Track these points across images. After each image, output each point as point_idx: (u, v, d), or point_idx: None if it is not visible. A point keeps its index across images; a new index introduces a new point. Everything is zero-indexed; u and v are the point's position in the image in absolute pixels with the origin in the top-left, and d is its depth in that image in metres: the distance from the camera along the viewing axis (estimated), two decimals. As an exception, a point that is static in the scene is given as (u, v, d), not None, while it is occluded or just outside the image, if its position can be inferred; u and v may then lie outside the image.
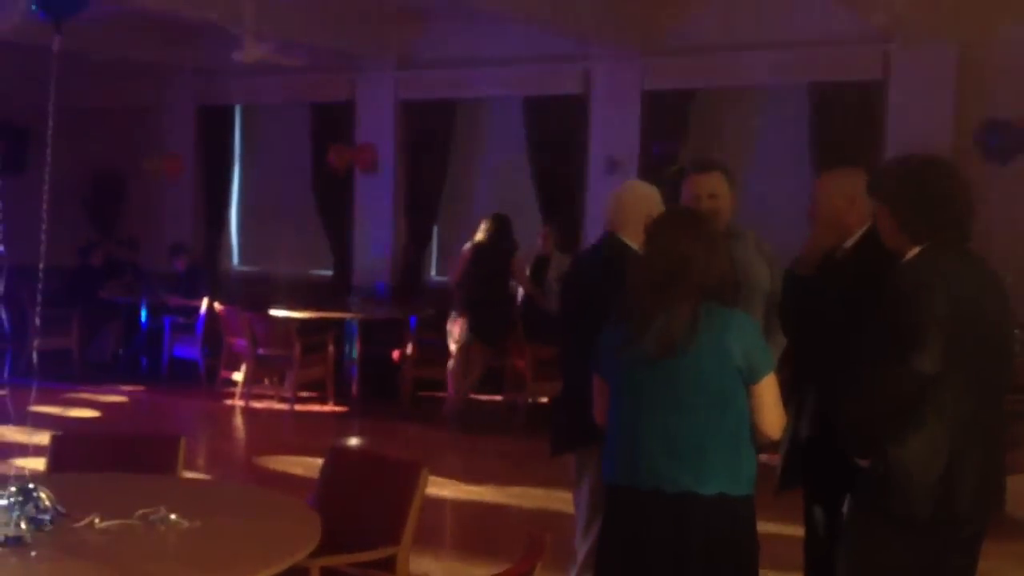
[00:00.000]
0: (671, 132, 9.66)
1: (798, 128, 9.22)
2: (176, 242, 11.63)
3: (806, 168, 9.17)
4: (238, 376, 9.74)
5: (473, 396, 9.38)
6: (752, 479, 3.07)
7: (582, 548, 3.99)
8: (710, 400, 2.99)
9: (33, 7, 3.97)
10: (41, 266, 4.04)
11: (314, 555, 3.06)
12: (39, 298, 4.26)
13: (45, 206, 3.99)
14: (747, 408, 3.03)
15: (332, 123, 11.43)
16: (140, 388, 10.20)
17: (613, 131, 9.94)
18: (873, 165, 6.81)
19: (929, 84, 8.56)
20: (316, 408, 9.51)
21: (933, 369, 2.91)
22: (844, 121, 8.94)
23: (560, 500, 6.11)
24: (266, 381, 9.88)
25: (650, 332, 3.00)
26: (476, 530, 6.30)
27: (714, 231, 3.18)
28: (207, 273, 11.57)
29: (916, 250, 3.07)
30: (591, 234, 9.74)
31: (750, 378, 3.01)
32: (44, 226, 3.93)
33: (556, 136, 10.29)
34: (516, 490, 7.20)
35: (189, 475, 3.98)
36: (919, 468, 2.95)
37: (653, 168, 9.55)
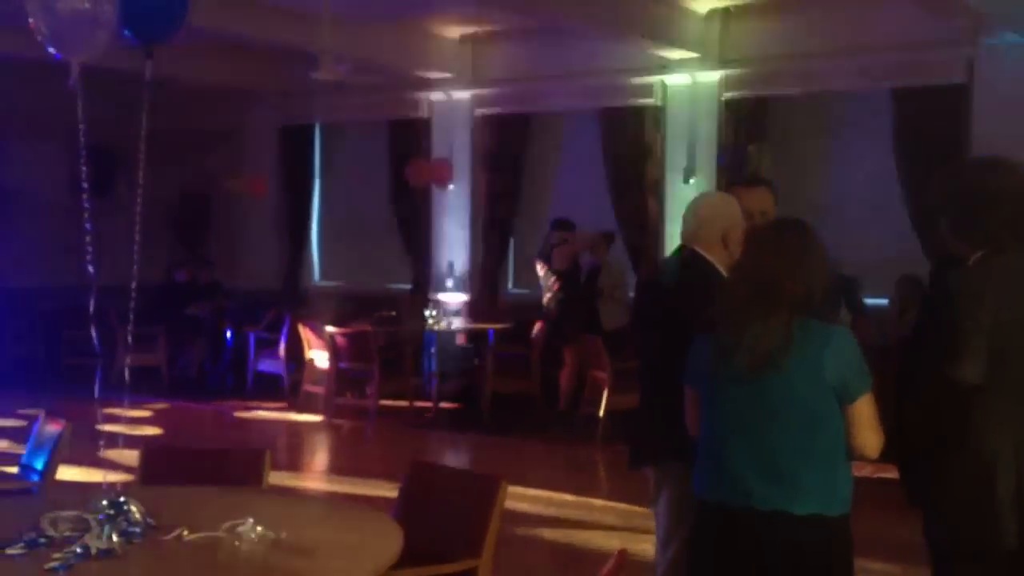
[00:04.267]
0: (749, 140, 9.57)
1: (881, 134, 9.06)
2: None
3: (889, 174, 9.01)
4: (320, 390, 9.87)
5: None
6: (848, 499, 2.97)
7: (662, 562, 3.95)
8: (804, 417, 2.91)
9: (126, 33, 4.08)
10: (133, 285, 4.14)
11: (396, 567, 3.08)
12: (131, 316, 4.36)
13: (138, 227, 4.08)
14: (843, 427, 2.94)
15: (409, 139, 11.56)
16: (226, 402, 10.39)
17: (691, 140, 9.87)
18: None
19: (1015, 87, 8.34)
20: (397, 421, 9.59)
21: (974, 378, 2.78)
22: (928, 126, 8.77)
23: (640, 513, 6.07)
24: (348, 394, 9.99)
25: (742, 346, 2.94)
26: (556, 542, 6.28)
27: (804, 241, 3.07)
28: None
29: (975, 256, 2.94)
30: (669, 245, 9.69)
31: (845, 397, 2.92)
32: (136, 247, 4.03)
33: (632, 146, 10.26)
34: (596, 502, 7.17)
35: (274, 488, 4.04)
36: (974, 489, 2.82)
37: (731, 176, 9.48)
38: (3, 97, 11.54)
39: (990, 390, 2.82)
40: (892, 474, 3.13)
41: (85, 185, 4.10)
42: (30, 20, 3.84)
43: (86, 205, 3.74)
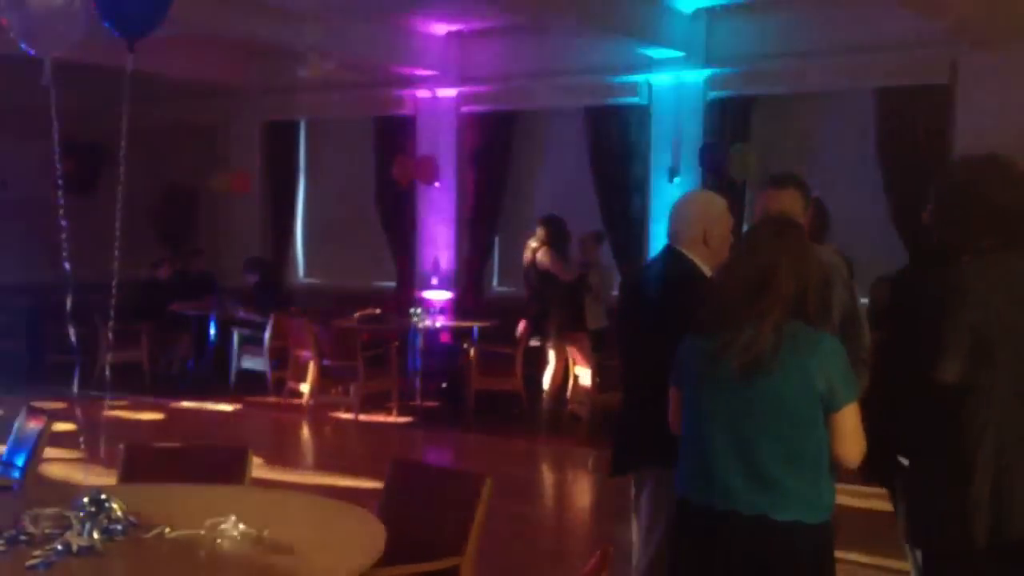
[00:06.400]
0: (733, 140, 9.59)
1: (864, 133, 9.09)
2: (252, 257, 11.84)
3: (873, 173, 9.05)
4: (304, 387, 9.85)
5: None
6: (830, 507, 2.98)
7: (643, 558, 3.96)
8: (790, 424, 2.91)
9: (107, 25, 4.06)
10: (115, 282, 4.12)
11: (379, 565, 3.07)
12: (112, 313, 4.34)
13: (119, 224, 4.06)
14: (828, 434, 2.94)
15: (394, 136, 11.54)
16: (208, 399, 10.36)
17: (675, 140, 9.89)
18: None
19: (999, 87, 8.38)
20: (380, 418, 9.58)
21: (952, 376, 2.80)
22: (911, 126, 8.81)
23: (623, 511, 6.08)
24: (331, 392, 9.97)
25: (733, 349, 2.92)
26: (540, 540, 6.29)
27: (803, 242, 3.06)
28: (277, 287, 11.74)
29: (967, 255, 2.93)
30: (654, 244, 9.70)
31: (831, 405, 2.91)
32: (117, 243, 4.00)
33: (617, 145, 10.27)
34: (580, 500, 7.18)
35: (256, 485, 4.03)
36: (952, 487, 2.84)
37: (715, 176, 9.50)
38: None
39: (976, 391, 2.83)
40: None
41: (61, 181, 4.09)
42: (2, 16, 3.82)
43: (61, 201, 3.73)
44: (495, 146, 11.05)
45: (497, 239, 11.29)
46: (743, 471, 2.94)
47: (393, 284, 11.72)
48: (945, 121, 8.65)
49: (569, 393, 9.37)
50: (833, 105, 9.57)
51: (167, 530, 3.07)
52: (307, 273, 12.76)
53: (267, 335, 10.50)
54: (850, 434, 2.94)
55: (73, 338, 3.99)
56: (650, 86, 10.11)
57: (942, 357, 2.81)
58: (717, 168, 9.46)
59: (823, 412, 2.92)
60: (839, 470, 3.01)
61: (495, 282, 11.48)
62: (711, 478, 3.00)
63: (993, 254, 2.91)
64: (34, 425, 4.56)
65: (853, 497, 4.58)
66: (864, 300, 4.02)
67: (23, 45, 3.88)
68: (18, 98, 11.34)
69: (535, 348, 9.57)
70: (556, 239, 9.45)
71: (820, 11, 9.08)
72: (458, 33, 10.88)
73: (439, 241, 11.39)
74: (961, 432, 2.85)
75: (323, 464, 8.37)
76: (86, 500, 3.04)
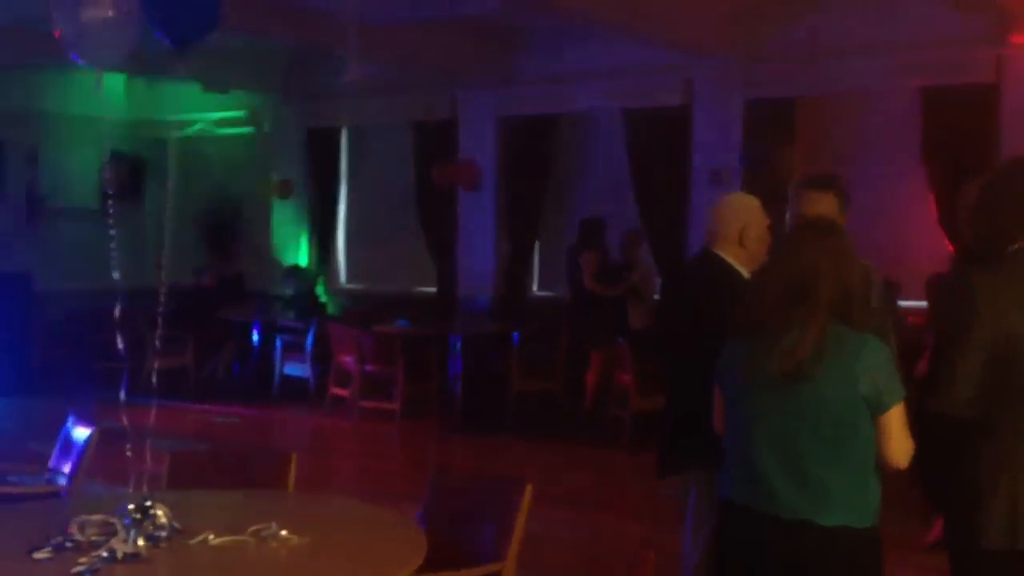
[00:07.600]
0: (775, 140, 9.50)
1: (909, 133, 8.97)
2: (289, 266, 11.95)
3: (918, 174, 8.93)
4: (346, 392, 9.89)
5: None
6: (877, 510, 2.95)
7: (692, 558, 3.95)
8: (834, 427, 2.88)
9: (158, 34, 4.10)
10: (163, 290, 4.17)
11: (419, 571, 3.08)
12: (160, 320, 4.39)
13: (167, 232, 4.12)
14: (873, 437, 2.90)
15: (435, 141, 11.57)
16: (252, 405, 10.44)
17: (716, 141, 9.83)
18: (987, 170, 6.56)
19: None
20: (422, 423, 9.60)
21: (962, 409, 2.80)
22: (957, 125, 8.68)
23: (665, 516, 6.05)
24: (373, 397, 10.00)
25: (775, 352, 2.90)
26: (581, 546, 6.27)
27: (844, 244, 3.03)
28: (312, 296, 11.81)
29: (1012, 249, 2.90)
30: (694, 246, 9.65)
31: (877, 408, 2.88)
32: (165, 250, 4.06)
33: (658, 148, 10.22)
34: (622, 505, 7.15)
35: (299, 491, 4.06)
36: (968, 487, 2.83)
37: (757, 177, 9.42)
38: (47, 103, 11.66)
39: (1001, 399, 2.80)
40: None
41: (110, 191, 4.15)
42: (55, 28, 3.88)
43: (110, 211, 3.78)
44: (535, 149, 11.04)
45: (538, 242, 11.29)
46: (787, 475, 2.92)
47: (434, 288, 11.75)
48: (991, 120, 8.51)
49: (611, 397, 9.33)
50: (876, 105, 9.45)
51: (211, 536, 3.10)
52: (349, 278, 12.83)
53: (310, 341, 10.57)
54: (897, 436, 2.91)
55: (121, 345, 4.04)
56: (690, 86, 10.04)
57: (942, 389, 2.82)
58: (757, 170, 9.38)
59: (870, 414, 2.89)
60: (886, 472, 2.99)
61: (536, 285, 11.47)
62: (755, 481, 2.98)
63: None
64: (81, 432, 4.63)
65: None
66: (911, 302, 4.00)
67: (74, 56, 3.94)
68: (70, 108, 11.55)
69: (577, 351, 9.54)
70: (592, 241, 9.44)
71: (862, 9, 8.97)
72: (498, 36, 10.87)
73: (480, 245, 11.40)
74: (986, 435, 2.83)
75: (365, 469, 8.41)
76: (131, 507, 3.07)
